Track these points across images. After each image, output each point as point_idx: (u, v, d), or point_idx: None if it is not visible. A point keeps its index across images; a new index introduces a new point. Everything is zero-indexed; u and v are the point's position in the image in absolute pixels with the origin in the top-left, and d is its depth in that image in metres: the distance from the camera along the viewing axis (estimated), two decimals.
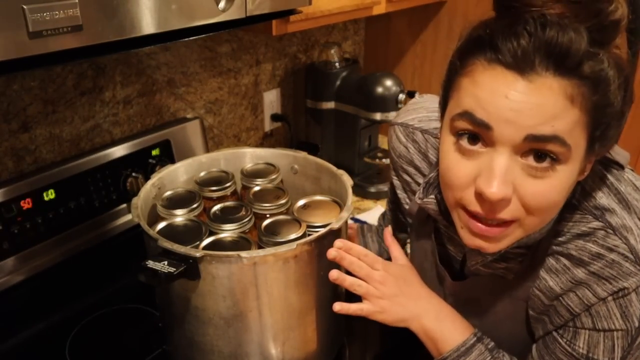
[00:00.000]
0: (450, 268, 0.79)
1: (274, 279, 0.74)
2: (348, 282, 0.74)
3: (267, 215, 0.86)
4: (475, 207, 0.57)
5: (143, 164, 1.15)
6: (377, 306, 0.74)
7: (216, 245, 0.79)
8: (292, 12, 1.00)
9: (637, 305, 0.59)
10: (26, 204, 0.97)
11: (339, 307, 0.74)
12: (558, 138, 0.52)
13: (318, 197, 0.91)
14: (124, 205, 1.13)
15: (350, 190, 0.87)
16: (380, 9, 1.30)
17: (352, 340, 0.96)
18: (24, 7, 0.57)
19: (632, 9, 0.57)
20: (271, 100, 1.53)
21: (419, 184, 0.82)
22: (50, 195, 1.01)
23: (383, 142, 1.76)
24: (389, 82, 1.35)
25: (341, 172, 0.92)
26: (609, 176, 0.63)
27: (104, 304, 1.03)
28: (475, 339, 0.72)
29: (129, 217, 1.14)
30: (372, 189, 1.45)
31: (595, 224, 0.61)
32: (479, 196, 0.56)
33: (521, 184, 0.55)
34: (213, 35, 1.14)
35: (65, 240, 1.05)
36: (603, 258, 0.60)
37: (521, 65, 0.51)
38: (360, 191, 1.44)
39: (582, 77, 0.51)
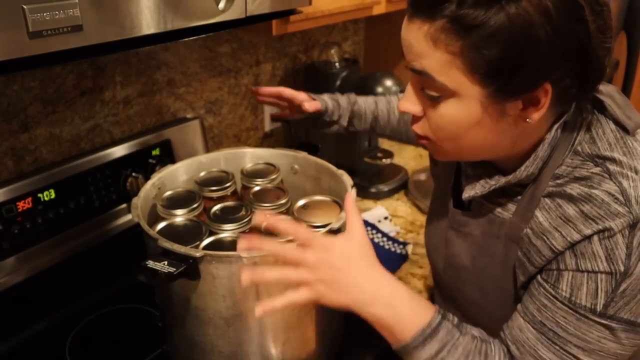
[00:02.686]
0: (459, 205, 0.80)
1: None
2: (268, 275, 0.65)
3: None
4: None
5: (143, 164, 1.15)
6: (313, 292, 0.65)
7: (216, 245, 0.79)
8: (292, 12, 1.00)
9: (623, 249, 0.59)
10: (26, 204, 0.97)
11: (260, 309, 0.64)
12: (427, 73, 0.61)
13: (318, 197, 0.91)
14: (124, 205, 1.13)
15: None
16: (380, 9, 1.30)
17: (352, 340, 0.96)
18: (24, 7, 0.57)
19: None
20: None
21: None
22: (50, 195, 1.01)
23: (383, 142, 1.76)
24: (389, 82, 1.35)
25: (341, 172, 0.92)
26: (619, 132, 0.65)
27: (104, 304, 1.03)
28: (440, 316, 0.66)
29: (129, 217, 1.14)
30: (372, 189, 1.45)
31: (594, 169, 0.63)
32: None
33: (426, 110, 0.66)
34: (213, 35, 1.14)
35: (65, 240, 1.05)
36: (594, 198, 0.61)
37: (409, 10, 0.62)
38: (360, 191, 1.44)
39: (447, 22, 0.57)
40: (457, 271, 0.76)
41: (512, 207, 0.71)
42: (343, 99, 1.04)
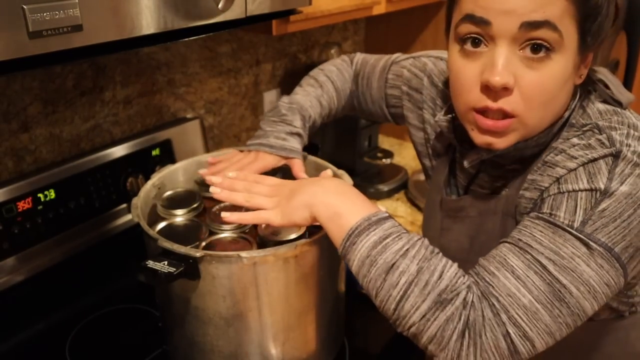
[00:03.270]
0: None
1: (274, 279, 0.74)
2: (225, 194, 0.74)
3: None
4: (483, 102, 0.63)
5: (143, 164, 1.15)
6: (275, 208, 0.71)
7: (216, 245, 0.79)
8: (292, 12, 1.00)
9: (605, 173, 0.59)
10: (26, 204, 0.97)
11: (228, 214, 0.72)
12: (550, 23, 0.58)
13: None
14: (124, 205, 1.13)
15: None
16: (380, 9, 1.30)
17: (352, 340, 0.96)
18: (24, 7, 0.57)
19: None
20: (271, 100, 1.53)
21: (432, 116, 0.86)
22: (50, 195, 1.01)
23: (383, 142, 1.76)
24: None
25: (341, 172, 0.92)
26: (610, 106, 0.67)
27: (104, 304, 1.03)
28: (387, 214, 0.65)
29: (129, 217, 1.14)
30: (372, 189, 1.45)
31: (585, 128, 0.65)
32: (485, 89, 0.62)
33: (521, 76, 0.60)
34: (213, 35, 1.14)
35: (65, 240, 1.05)
36: (580, 144, 0.63)
37: None
38: (361, 191, 1.44)
39: None
40: (455, 253, 0.76)
41: (508, 184, 0.72)
42: (302, 128, 0.91)
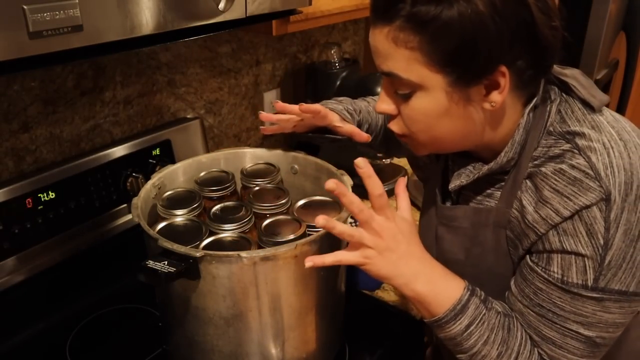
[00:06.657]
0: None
1: (274, 279, 0.74)
2: (338, 229, 0.68)
3: (267, 215, 0.86)
4: None
5: (143, 164, 1.15)
6: (362, 255, 0.69)
7: (216, 245, 0.79)
8: (292, 12, 1.00)
9: (602, 222, 0.62)
10: (26, 204, 0.97)
11: (311, 262, 0.68)
12: (393, 74, 0.65)
13: (318, 197, 0.91)
14: (124, 205, 1.13)
15: (350, 191, 0.86)
16: None
17: (352, 340, 0.96)
18: (24, 7, 0.57)
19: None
20: (271, 100, 1.54)
21: None
22: (50, 195, 1.01)
23: None
24: None
25: (341, 172, 0.93)
26: (586, 109, 0.69)
27: (104, 304, 1.03)
28: (468, 292, 0.70)
29: (129, 217, 1.14)
30: None
31: (565, 146, 0.66)
32: None
33: (400, 108, 0.70)
34: (213, 35, 1.14)
35: (65, 240, 1.05)
36: (565, 174, 0.64)
37: (372, 18, 0.66)
38: (361, 191, 1.44)
39: (403, 21, 0.62)
40: (452, 265, 0.77)
41: (497, 194, 0.74)
42: (354, 113, 0.96)
